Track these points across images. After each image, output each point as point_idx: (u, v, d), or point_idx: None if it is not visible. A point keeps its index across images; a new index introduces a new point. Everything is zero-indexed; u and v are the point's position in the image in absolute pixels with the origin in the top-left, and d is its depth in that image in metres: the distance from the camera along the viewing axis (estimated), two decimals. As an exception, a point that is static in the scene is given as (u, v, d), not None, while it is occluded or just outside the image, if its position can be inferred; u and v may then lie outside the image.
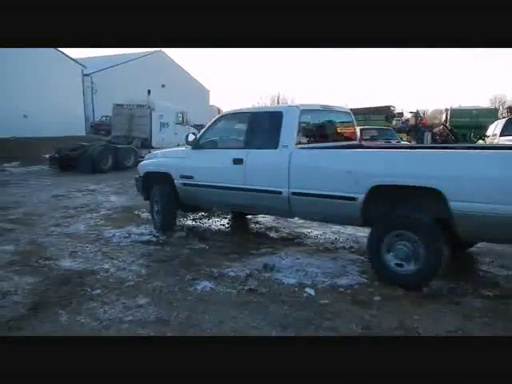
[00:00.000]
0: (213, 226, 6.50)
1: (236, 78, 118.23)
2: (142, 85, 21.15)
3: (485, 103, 52.98)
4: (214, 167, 5.47)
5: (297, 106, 4.99)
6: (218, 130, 5.67)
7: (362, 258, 4.84)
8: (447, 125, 22.00)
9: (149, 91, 16.31)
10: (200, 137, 5.70)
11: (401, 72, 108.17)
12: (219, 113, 55.08)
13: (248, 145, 5.12)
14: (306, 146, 4.87)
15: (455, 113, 21.60)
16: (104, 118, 27.87)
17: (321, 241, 5.73)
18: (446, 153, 4.23)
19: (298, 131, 4.78)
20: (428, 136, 23.44)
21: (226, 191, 5.24)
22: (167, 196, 5.89)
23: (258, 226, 6.67)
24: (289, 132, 4.74)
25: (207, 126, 5.80)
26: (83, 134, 24.77)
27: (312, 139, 5.12)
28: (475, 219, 3.59)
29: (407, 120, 28.94)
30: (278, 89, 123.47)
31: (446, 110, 23.02)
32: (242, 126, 5.31)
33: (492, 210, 3.48)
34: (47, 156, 15.04)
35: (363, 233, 6.00)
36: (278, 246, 5.20)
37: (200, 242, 5.58)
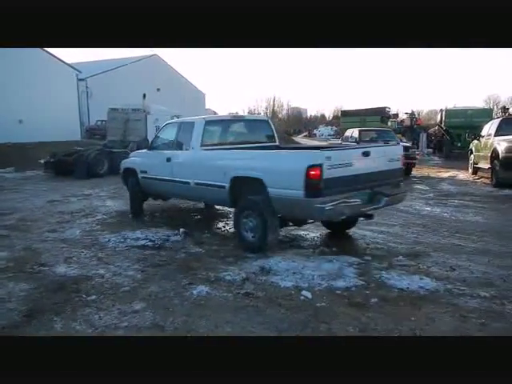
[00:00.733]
0: (208, 230, 6.47)
1: (232, 80, 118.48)
2: (137, 89, 21.04)
3: (479, 103, 53.35)
4: (157, 164, 6.89)
5: (203, 118, 6.45)
6: (163, 136, 7.17)
7: (358, 259, 4.83)
8: (442, 125, 22.06)
9: (144, 95, 16.17)
10: (152, 141, 7.43)
11: (396, 73, 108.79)
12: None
13: (174, 147, 6.61)
14: (208, 148, 6.14)
15: (450, 113, 21.64)
16: (99, 122, 27.84)
17: (317, 243, 5.72)
18: (265, 152, 5.55)
19: (203, 137, 6.10)
20: (423, 136, 23.52)
21: (164, 182, 6.72)
22: (133, 187, 7.53)
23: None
24: (196, 137, 6.13)
25: (157, 132, 7.38)
26: (78, 138, 24.66)
27: (220, 142, 6.48)
28: (280, 200, 4.86)
29: (402, 121, 29.09)
30: (273, 91, 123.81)
31: (441, 110, 23.05)
32: (174, 132, 6.76)
33: (285, 194, 4.74)
34: (42, 161, 14.93)
35: (359, 235, 6.02)
36: (274, 248, 5.18)
37: (196, 246, 5.56)
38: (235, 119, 7.48)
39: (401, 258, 4.92)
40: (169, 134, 6.94)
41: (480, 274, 4.41)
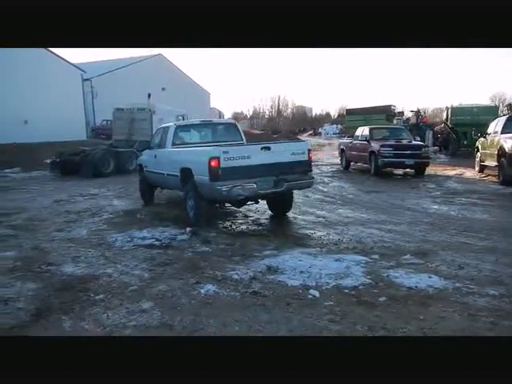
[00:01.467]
0: (215, 229, 6.47)
1: (237, 80, 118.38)
2: (142, 88, 21.01)
3: (485, 101, 52.96)
4: (151, 160, 8.38)
5: (175, 123, 8.16)
6: (155, 138, 8.58)
7: (366, 258, 4.81)
8: (448, 123, 21.91)
9: (149, 94, 16.12)
10: (150, 141, 8.82)
11: (400, 71, 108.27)
12: (220, 115, 55.07)
13: (159, 146, 8.09)
14: (179, 147, 7.54)
15: (456, 111, 21.48)
16: (105, 122, 27.85)
17: (324, 242, 5.70)
18: (193, 149, 7.25)
19: (173, 138, 7.62)
20: (429, 134, 23.36)
21: (154, 174, 8.16)
22: (141, 179, 8.98)
23: (261, 227, 6.66)
24: (169, 139, 7.66)
25: (153, 135, 8.97)
26: (84, 138, 24.80)
27: (190, 142, 7.93)
28: (199, 184, 6.26)
29: (408, 119, 28.89)
30: (278, 90, 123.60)
31: (447, 108, 22.88)
32: (160, 135, 8.25)
33: (201, 179, 6.14)
34: (48, 161, 15.01)
35: (366, 234, 6.00)
36: (281, 247, 5.17)
37: (203, 245, 5.56)
38: (204, 123, 8.63)
39: (409, 256, 4.90)
40: (157, 136, 8.39)
41: (488, 273, 4.38)
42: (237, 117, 72.12)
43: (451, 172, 14.04)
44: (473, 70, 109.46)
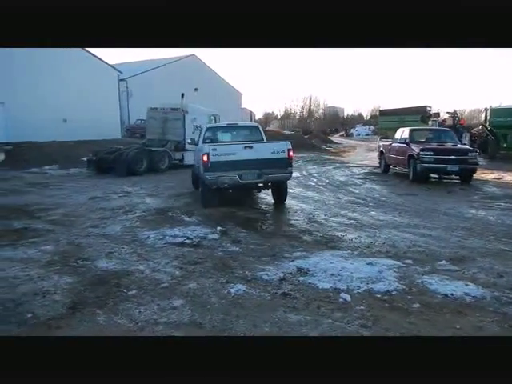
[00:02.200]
0: (245, 229, 6.48)
1: (268, 80, 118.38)
2: (176, 88, 21.28)
3: (527, 102, 50.70)
4: (194, 154, 10.31)
5: (206, 125, 10.21)
6: (196, 136, 10.39)
7: (398, 263, 4.70)
8: (487, 125, 21.13)
9: (182, 94, 16.20)
10: (197, 139, 9.89)
11: (434, 72, 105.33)
12: (251, 115, 55.04)
13: (196, 143, 9.58)
14: (208, 144, 8.49)
15: (495, 112, 20.67)
16: (139, 121, 28.47)
17: (356, 244, 5.61)
18: (199, 146, 8.89)
19: (204, 136, 9.22)
20: (466, 137, 22.61)
21: (195, 167, 9.66)
22: (192, 170, 10.42)
23: (291, 228, 6.62)
24: (201, 137, 9.39)
25: (201, 133, 9.84)
26: (119, 137, 25.40)
27: (217, 141, 9.13)
28: (200, 175, 8.03)
29: (444, 121, 28.04)
30: (310, 90, 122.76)
31: (486, 109, 22.06)
32: (198, 133, 10.08)
33: (200, 170, 7.84)
34: (85, 159, 15.48)
35: (400, 237, 5.86)
36: (311, 249, 5.12)
37: (233, 245, 5.59)
38: (230, 125, 10.17)
39: (444, 262, 4.75)
40: (197, 135, 10.27)
41: (529, 282, 4.19)
42: (268, 117, 72.05)
43: (489, 176, 13.53)
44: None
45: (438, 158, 11.48)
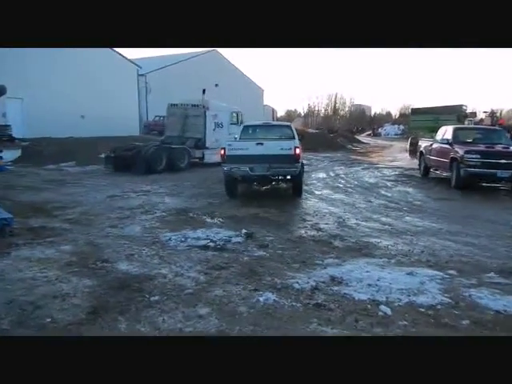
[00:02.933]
0: (271, 232, 6.19)
1: (291, 77, 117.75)
2: (196, 84, 20.87)
3: None
4: None
5: (244, 124, 11.40)
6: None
7: (441, 274, 4.35)
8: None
9: (203, 90, 15.76)
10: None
11: (466, 71, 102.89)
12: (273, 112, 54.43)
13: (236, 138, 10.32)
14: (242, 140, 9.52)
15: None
16: (157, 117, 28.21)
17: (392, 252, 5.26)
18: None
19: (241, 133, 10.17)
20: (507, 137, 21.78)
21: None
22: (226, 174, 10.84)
23: (320, 233, 6.27)
24: (239, 133, 10.37)
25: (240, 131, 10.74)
26: (137, 133, 25.21)
27: (252, 137, 9.80)
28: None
29: (481, 120, 27.15)
30: (335, 88, 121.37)
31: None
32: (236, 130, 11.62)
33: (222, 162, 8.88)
34: (102, 156, 15.26)
35: (440, 245, 5.49)
36: (344, 256, 4.81)
37: (259, 249, 5.30)
38: (265, 124, 11.55)
39: (492, 274, 4.38)
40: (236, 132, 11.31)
41: None
42: (290, 114, 71.06)
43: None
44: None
45: (485, 161, 9.84)
